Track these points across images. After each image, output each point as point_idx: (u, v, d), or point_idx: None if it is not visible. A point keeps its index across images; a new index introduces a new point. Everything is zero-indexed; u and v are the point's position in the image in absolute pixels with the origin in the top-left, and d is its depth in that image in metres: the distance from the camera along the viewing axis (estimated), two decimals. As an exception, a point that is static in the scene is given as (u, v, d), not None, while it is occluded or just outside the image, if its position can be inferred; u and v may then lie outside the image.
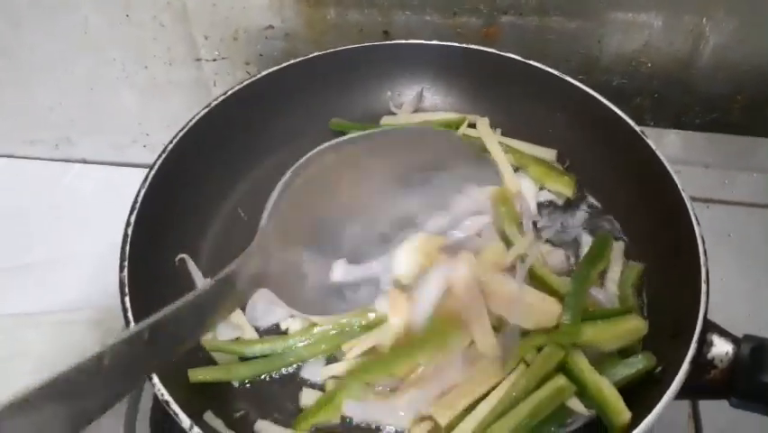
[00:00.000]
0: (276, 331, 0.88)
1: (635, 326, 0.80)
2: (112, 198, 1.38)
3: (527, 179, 0.99)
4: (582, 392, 0.77)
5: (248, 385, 0.83)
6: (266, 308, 0.89)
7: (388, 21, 1.21)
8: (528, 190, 0.97)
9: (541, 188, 0.99)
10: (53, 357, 1.15)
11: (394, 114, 1.10)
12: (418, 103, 1.11)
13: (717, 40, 1.17)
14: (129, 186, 1.40)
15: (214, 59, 1.32)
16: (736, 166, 1.17)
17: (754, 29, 1.16)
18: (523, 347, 0.79)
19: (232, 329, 0.86)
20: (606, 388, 0.76)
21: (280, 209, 0.82)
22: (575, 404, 0.78)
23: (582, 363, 0.77)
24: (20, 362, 1.14)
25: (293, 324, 0.88)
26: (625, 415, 0.74)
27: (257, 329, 0.88)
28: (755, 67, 1.20)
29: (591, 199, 0.99)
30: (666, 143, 1.19)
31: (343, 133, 1.05)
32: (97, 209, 1.38)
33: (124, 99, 1.40)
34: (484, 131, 1.02)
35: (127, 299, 0.80)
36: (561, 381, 0.76)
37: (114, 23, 1.26)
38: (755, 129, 1.23)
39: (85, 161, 1.49)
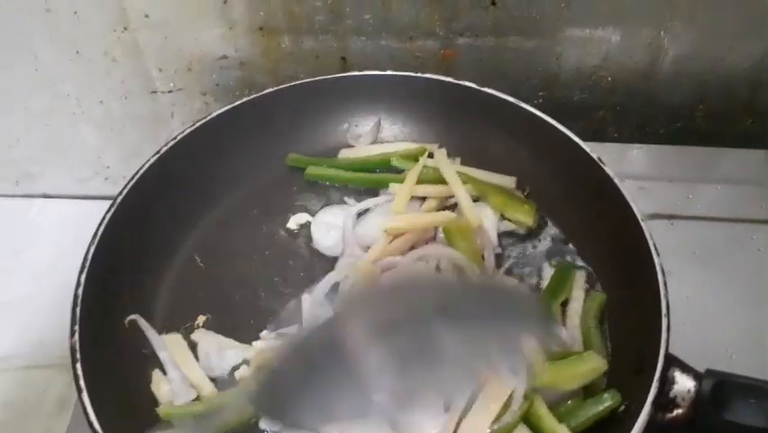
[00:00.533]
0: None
1: (594, 365, 0.79)
2: (77, 231, 1.38)
3: (487, 208, 0.97)
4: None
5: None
6: (219, 354, 0.88)
7: (345, 47, 1.19)
8: (489, 220, 0.96)
9: (502, 218, 0.97)
10: (21, 403, 1.13)
11: (351, 146, 1.08)
12: (376, 134, 1.10)
13: (677, 51, 1.17)
14: (93, 218, 1.40)
15: (170, 91, 1.29)
16: (701, 178, 1.16)
17: (712, 39, 1.15)
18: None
19: (187, 389, 0.85)
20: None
21: None
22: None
23: (541, 409, 0.76)
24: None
25: (244, 371, 0.87)
26: None
27: (212, 379, 0.86)
28: (716, 76, 1.19)
29: (553, 228, 0.98)
30: (629, 159, 1.19)
31: (302, 170, 1.04)
32: (62, 244, 1.36)
33: (82, 133, 1.38)
34: (441, 160, 1.01)
35: (79, 365, 0.78)
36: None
37: (65, 59, 1.24)
38: (719, 138, 1.22)
39: (47, 196, 1.48)
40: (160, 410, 0.82)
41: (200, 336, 0.90)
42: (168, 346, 0.88)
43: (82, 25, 1.18)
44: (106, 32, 1.19)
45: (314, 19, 1.16)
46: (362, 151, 1.07)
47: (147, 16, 1.17)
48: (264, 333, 0.89)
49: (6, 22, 1.18)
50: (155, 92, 1.30)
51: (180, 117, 1.33)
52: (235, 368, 0.88)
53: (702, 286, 1.02)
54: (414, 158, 1.03)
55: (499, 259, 0.95)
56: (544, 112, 0.99)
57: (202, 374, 0.86)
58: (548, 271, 0.93)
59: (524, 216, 0.96)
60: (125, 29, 1.19)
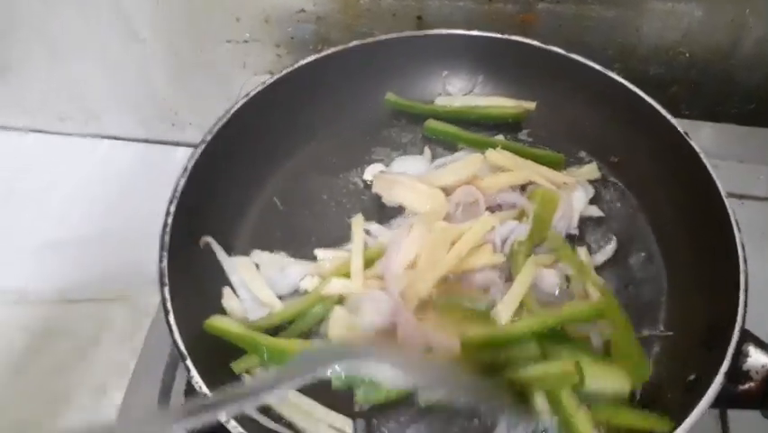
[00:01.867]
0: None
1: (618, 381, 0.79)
2: (142, 175, 1.42)
3: (580, 190, 0.97)
4: (558, 416, 0.77)
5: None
6: (282, 273, 0.91)
7: (422, 6, 1.19)
8: (577, 201, 0.96)
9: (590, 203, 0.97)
10: (88, 336, 1.17)
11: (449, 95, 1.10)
12: (473, 86, 1.11)
13: (760, 31, 1.15)
14: (158, 163, 1.44)
15: (245, 41, 1.31)
16: (773, 161, 1.15)
17: (797, 21, 1.13)
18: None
19: (259, 307, 0.88)
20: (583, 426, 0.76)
21: None
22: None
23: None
24: (56, 340, 1.17)
25: (310, 282, 0.90)
26: None
27: (279, 297, 0.90)
28: (797, 59, 1.18)
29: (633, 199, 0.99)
30: (701, 136, 1.17)
31: (382, 122, 1.07)
32: (128, 186, 1.39)
33: (154, 78, 1.40)
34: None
35: (167, 289, 0.81)
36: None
37: (145, 3, 1.26)
38: (793, 122, 1.21)
39: (115, 138, 1.51)
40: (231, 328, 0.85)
41: (261, 257, 0.93)
42: (237, 268, 0.91)
43: (164, -30, 1.20)
44: (188, -23, 1.21)
45: (393, -24, 1.16)
46: (458, 100, 1.08)
47: (229, -37, 1.18)
48: (319, 250, 0.93)
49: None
50: (230, 41, 1.31)
51: (252, 68, 1.35)
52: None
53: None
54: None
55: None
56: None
57: (270, 293, 0.89)
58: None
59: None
60: (207, -25, 1.20)
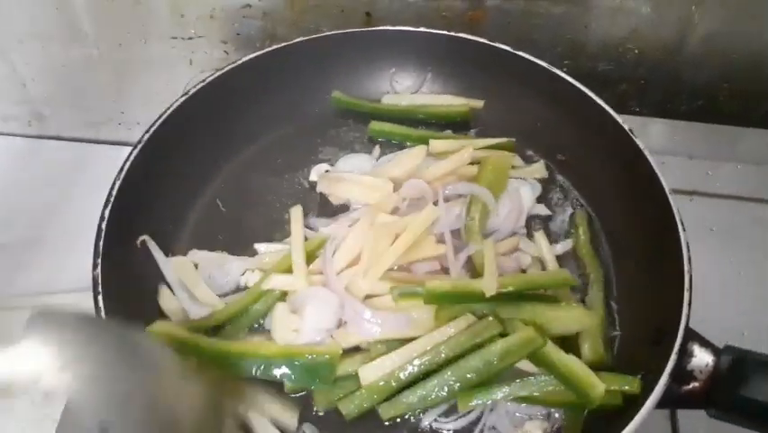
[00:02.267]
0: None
1: (580, 316, 0.82)
2: (87, 175, 1.37)
3: (527, 186, 0.97)
4: (552, 372, 0.78)
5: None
6: (221, 270, 0.89)
7: (371, 2, 1.18)
8: (526, 198, 0.95)
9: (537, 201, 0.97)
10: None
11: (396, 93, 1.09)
12: (420, 84, 1.10)
13: (706, 28, 1.15)
14: (104, 163, 1.39)
15: (190, 38, 1.28)
16: (721, 156, 1.15)
17: (743, 17, 1.14)
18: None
19: (199, 307, 0.86)
20: (575, 364, 0.76)
21: None
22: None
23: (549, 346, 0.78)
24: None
25: (251, 277, 0.88)
26: (599, 388, 0.75)
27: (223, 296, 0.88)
28: (744, 56, 1.18)
29: (576, 196, 0.98)
30: (650, 133, 1.18)
31: (328, 121, 1.05)
32: (72, 187, 1.35)
33: (99, 76, 1.36)
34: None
35: (100, 297, 0.78)
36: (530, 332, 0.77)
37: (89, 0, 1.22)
38: (741, 118, 1.22)
39: (58, 138, 1.46)
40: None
41: (199, 255, 0.90)
42: (174, 268, 0.89)
43: (106, -35, 1.17)
44: (130, -27, 1.18)
45: (341, -29, 1.15)
46: (406, 98, 1.07)
47: (173, -42, 1.15)
48: (259, 245, 0.91)
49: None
50: (175, 38, 1.28)
51: (199, 65, 1.32)
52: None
53: (718, 263, 1.02)
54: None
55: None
56: (568, 81, 0.99)
57: (208, 291, 0.87)
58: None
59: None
60: (150, -29, 1.17)
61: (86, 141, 1.45)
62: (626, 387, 0.76)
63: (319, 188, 0.96)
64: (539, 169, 1.00)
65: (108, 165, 1.33)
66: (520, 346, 0.77)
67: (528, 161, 1.01)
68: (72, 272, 1.10)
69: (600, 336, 0.83)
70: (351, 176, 0.95)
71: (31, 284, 1.20)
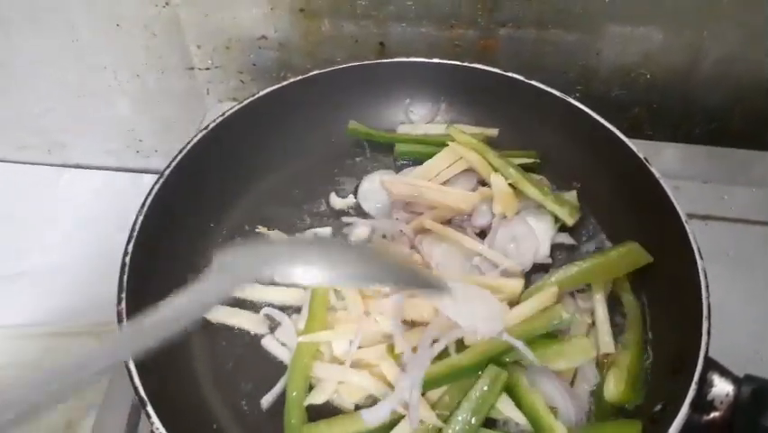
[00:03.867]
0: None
1: (582, 348, 0.81)
2: (107, 203, 1.40)
3: (548, 216, 0.97)
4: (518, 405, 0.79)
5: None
6: None
7: (384, 32, 1.19)
8: (545, 231, 0.96)
9: (559, 230, 0.97)
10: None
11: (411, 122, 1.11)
12: (435, 114, 1.11)
13: (718, 53, 1.16)
14: (123, 191, 1.42)
15: (207, 68, 1.30)
16: (735, 180, 1.15)
17: (754, 42, 1.15)
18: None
19: None
20: (539, 404, 0.77)
21: None
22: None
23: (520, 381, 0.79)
24: (14, 373, 1.14)
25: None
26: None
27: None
28: (755, 80, 1.19)
29: (594, 226, 0.99)
30: (664, 157, 1.18)
31: (345, 151, 1.07)
32: (92, 215, 1.37)
33: (116, 106, 1.38)
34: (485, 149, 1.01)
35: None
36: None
37: (103, 31, 1.24)
38: (755, 141, 1.22)
39: (78, 166, 1.49)
40: None
41: None
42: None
43: (123, -2, 1.19)
44: (147, 6, 1.20)
45: (355, 3, 1.16)
46: (421, 128, 1.09)
47: (189, -7, 1.17)
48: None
49: (46, -9, 1.18)
50: (192, 68, 1.30)
51: (216, 95, 1.34)
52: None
53: (734, 289, 1.01)
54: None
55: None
56: (580, 107, 0.99)
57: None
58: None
59: (564, 214, 0.96)
60: (167, 4, 1.19)
61: (105, 168, 1.48)
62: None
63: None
64: (572, 196, 1.00)
65: (128, 193, 1.38)
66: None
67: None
68: (94, 301, 1.11)
69: (632, 374, 0.82)
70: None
71: (50, 314, 1.22)
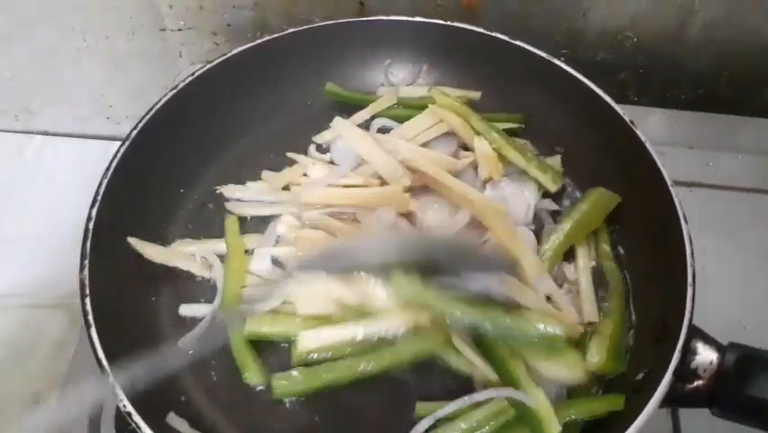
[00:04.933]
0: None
1: (573, 360, 0.78)
2: (76, 171, 1.35)
3: (529, 184, 0.94)
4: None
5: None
6: None
7: (364, -9, 1.15)
8: (528, 197, 0.93)
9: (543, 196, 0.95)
10: (19, 342, 1.11)
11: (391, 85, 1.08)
12: (417, 75, 1.08)
13: (706, 16, 1.14)
14: (93, 159, 1.37)
15: (180, 30, 1.25)
16: (721, 146, 1.13)
17: (741, 7, 1.12)
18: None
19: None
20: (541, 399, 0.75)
21: None
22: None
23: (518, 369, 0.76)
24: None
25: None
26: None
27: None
28: (743, 44, 1.17)
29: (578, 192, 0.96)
30: (650, 123, 1.16)
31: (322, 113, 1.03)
32: (61, 183, 1.33)
33: (86, 70, 1.33)
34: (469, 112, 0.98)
35: (88, 300, 0.76)
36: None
37: (72, -9, 1.19)
38: (741, 106, 1.20)
39: (46, 133, 1.44)
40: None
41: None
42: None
43: (92, -44, 1.14)
44: (117, -36, 1.15)
45: (333, -40, 1.12)
46: (401, 91, 1.05)
47: (160, -51, 1.12)
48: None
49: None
50: (164, 30, 1.25)
51: (189, 57, 1.29)
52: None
53: (719, 256, 1.00)
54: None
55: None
56: (566, 69, 0.96)
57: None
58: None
59: (547, 181, 0.94)
60: (137, -38, 1.14)
61: (75, 136, 1.43)
62: (611, 408, 0.75)
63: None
64: (555, 162, 0.98)
65: (98, 161, 1.33)
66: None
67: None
68: (63, 272, 1.08)
69: (614, 342, 0.80)
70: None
71: (19, 284, 1.18)
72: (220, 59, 0.96)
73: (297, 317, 0.81)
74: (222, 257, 0.88)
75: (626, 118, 0.89)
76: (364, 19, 1.03)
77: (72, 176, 1.34)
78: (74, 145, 1.42)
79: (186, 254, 0.89)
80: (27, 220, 1.27)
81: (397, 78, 1.07)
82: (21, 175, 1.35)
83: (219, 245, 0.90)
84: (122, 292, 0.82)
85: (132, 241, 0.86)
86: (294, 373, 0.78)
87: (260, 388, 0.80)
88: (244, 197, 0.94)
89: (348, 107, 1.04)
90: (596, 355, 0.79)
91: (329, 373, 0.78)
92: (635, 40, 1.18)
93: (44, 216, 1.28)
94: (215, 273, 0.87)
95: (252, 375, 0.79)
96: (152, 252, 0.87)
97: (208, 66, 0.95)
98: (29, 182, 1.34)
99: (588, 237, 0.90)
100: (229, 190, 0.94)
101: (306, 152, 1.00)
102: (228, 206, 0.93)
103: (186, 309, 0.86)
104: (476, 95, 1.03)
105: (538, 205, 0.93)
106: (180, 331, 0.83)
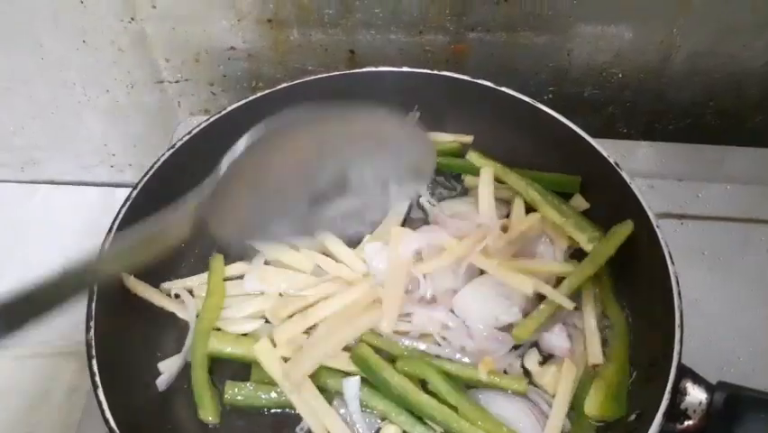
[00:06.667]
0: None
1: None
2: (81, 218, 1.38)
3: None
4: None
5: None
6: None
7: (353, 40, 1.18)
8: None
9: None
10: (32, 390, 1.14)
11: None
12: None
13: (689, 48, 1.16)
14: (97, 205, 1.40)
15: (177, 81, 1.28)
16: (710, 177, 1.15)
17: (724, 36, 1.14)
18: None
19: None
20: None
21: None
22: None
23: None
24: (3, 398, 1.13)
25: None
26: None
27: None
28: (727, 74, 1.19)
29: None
30: (638, 156, 1.18)
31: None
32: (67, 231, 1.35)
33: (88, 122, 1.37)
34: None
35: (94, 361, 0.78)
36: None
37: (71, 48, 1.22)
38: (729, 136, 1.22)
39: (51, 182, 1.47)
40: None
41: None
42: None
43: (88, 14, 1.17)
44: (113, 21, 1.18)
45: (323, 12, 1.15)
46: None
47: (154, 7, 1.15)
48: None
49: (11, 8, 1.16)
50: (162, 82, 1.28)
51: (187, 107, 1.32)
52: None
53: (711, 287, 1.02)
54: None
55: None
56: (553, 107, 0.98)
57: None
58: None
59: (583, 241, 0.94)
60: (132, 19, 1.17)
61: (79, 183, 1.47)
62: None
63: None
64: (580, 202, 0.99)
65: (102, 207, 1.36)
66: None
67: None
68: (69, 320, 1.10)
69: (614, 387, 0.82)
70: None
71: (24, 333, 1.20)
72: (216, 116, 0.99)
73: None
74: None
75: (611, 160, 0.91)
76: (353, 71, 1.05)
77: (78, 223, 1.38)
78: (79, 193, 1.45)
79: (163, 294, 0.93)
80: (35, 267, 1.29)
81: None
82: (28, 223, 1.39)
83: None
84: (127, 350, 0.85)
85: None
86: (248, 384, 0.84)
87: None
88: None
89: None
90: (595, 401, 0.81)
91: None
92: (621, 75, 1.20)
93: (53, 263, 1.30)
94: (188, 314, 0.91)
95: (206, 413, 0.83)
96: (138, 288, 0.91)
97: (205, 123, 0.98)
98: (36, 230, 1.37)
99: (593, 281, 0.91)
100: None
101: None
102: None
103: (163, 367, 0.89)
104: (468, 138, 1.06)
105: None
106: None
